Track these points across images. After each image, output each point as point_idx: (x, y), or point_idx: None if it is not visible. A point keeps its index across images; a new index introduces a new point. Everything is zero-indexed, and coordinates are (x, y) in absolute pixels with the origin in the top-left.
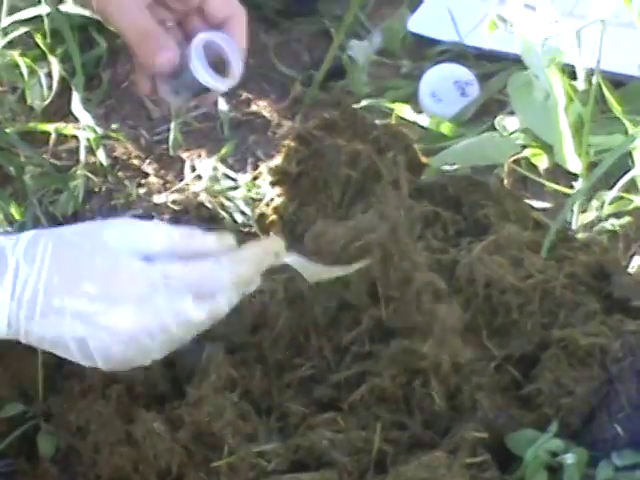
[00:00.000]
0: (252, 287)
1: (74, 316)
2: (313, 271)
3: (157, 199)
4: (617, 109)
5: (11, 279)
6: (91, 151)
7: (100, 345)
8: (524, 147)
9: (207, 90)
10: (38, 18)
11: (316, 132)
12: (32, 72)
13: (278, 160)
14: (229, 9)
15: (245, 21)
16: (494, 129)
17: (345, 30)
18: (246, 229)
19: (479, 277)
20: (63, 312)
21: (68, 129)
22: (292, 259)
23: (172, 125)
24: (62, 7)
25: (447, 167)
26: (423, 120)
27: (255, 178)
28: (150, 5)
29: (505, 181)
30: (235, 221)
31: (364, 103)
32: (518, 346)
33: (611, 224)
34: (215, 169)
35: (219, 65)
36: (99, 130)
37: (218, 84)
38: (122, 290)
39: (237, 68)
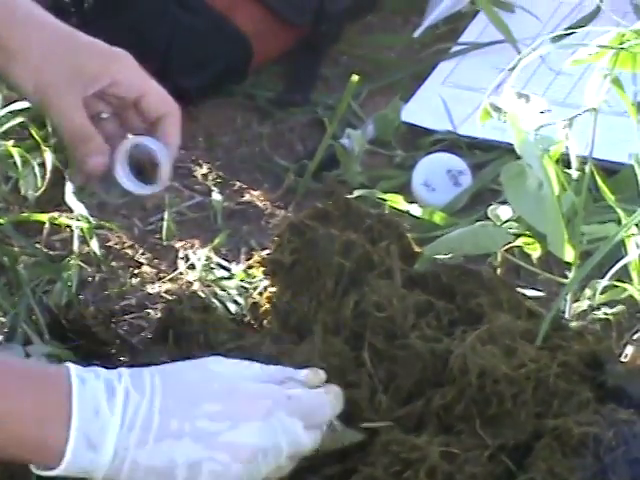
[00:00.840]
0: None
1: (194, 438)
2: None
3: (150, 289)
4: (610, 198)
5: (121, 405)
6: (85, 241)
7: (217, 469)
8: (517, 236)
9: None
10: (32, 109)
11: (309, 222)
12: (26, 162)
13: (271, 250)
14: (164, 107)
15: (179, 120)
16: (487, 218)
17: (338, 119)
18: (239, 319)
19: (472, 367)
20: (181, 435)
21: (62, 219)
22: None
23: (165, 215)
24: None
25: (440, 256)
26: (416, 210)
27: (249, 268)
28: (87, 99)
29: (498, 270)
30: (228, 311)
31: (357, 193)
32: (511, 435)
33: (604, 313)
34: (208, 259)
35: (149, 166)
36: (92, 220)
37: (140, 190)
38: (248, 407)
39: (165, 172)
